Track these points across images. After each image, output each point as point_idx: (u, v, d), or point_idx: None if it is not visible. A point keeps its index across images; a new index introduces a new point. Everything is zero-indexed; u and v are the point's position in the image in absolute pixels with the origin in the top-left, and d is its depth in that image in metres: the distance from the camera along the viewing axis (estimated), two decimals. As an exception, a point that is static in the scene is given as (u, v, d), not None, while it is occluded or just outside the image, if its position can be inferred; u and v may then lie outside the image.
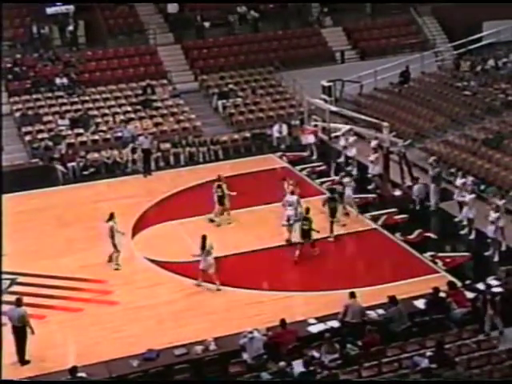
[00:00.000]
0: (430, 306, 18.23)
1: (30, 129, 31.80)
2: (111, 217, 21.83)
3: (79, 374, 16.13)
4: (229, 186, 24.66)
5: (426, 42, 39.67)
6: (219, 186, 24.25)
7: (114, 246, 21.80)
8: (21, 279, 21.64)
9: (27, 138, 31.42)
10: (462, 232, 23.43)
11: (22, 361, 17.46)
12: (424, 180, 25.63)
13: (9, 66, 34.41)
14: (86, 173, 29.70)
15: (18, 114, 32.59)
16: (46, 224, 22.00)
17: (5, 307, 17.94)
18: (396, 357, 16.33)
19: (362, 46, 39.45)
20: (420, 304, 18.54)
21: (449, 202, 24.67)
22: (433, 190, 24.97)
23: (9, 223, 25.21)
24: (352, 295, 17.92)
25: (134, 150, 30.26)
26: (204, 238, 20.86)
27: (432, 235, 23.34)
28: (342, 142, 29.00)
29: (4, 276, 21.79)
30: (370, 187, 27.02)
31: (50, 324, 19.58)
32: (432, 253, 22.12)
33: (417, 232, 23.38)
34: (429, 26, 40.75)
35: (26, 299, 20.42)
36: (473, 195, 23.34)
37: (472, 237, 23.07)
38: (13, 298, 20.51)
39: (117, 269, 21.76)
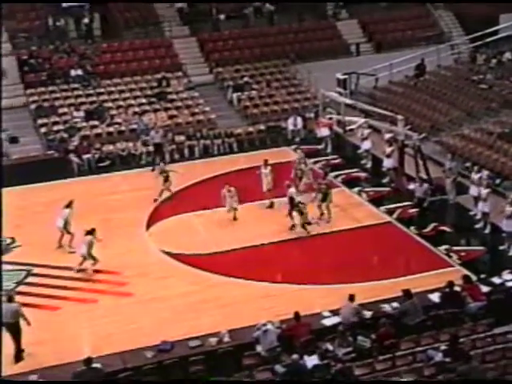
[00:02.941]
0: (445, 299, 18.18)
1: (45, 121, 31.91)
2: (69, 204, 22.49)
3: (94, 365, 16.17)
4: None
5: (442, 34, 39.47)
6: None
7: (68, 231, 22.31)
8: (36, 270, 21.74)
9: (43, 129, 31.53)
10: (477, 226, 23.35)
11: (18, 357, 17.37)
12: (438, 174, 25.60)
13: (25, 58, 34.52)
14: (101, 165, 29.79)
15: (33, 106, 32.71)
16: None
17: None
18: (410, 350, 16.28)
19: (378, 39, 39.32)
20: (435, 298, 18.50)
21: (464, 196, 24.57)
22: (449, 185, 24.88)
23: (24, 215, 25.65)
24: (350, 298, 17.75)
25: (145, 143, 30.31)
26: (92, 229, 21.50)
27: (447, 229, 23.25)
28: (360, 135, 28.93)
29: (19, 267, 22.00)
30: (384, 181, 26.98)
31: (65, 315, 19.66)
32: (447, 246, 22.05)
33: (432, 225, 23.30)
34: (445, 19, 40.58)
35: (41, 290, 20.73)
36: (488, 189, 23.23)
37: (487, 231, 23.00)
38: (29, 289, 20.84)
39: (72, 252, 22.10)
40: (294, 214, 23.01)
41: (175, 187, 26.06)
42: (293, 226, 23.09)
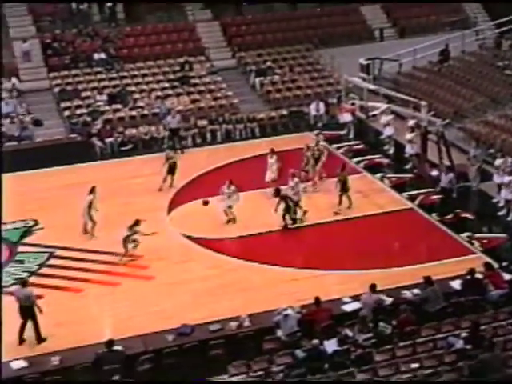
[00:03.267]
0: (466, 286, 18.10)
1: (68, 104, 32.02)
2: (92, 190, 22.30)
3: (115, 347, 16.30)
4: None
5: (467, 20, 39.10)
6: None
7: (91, 217, 22.17)
8: (58, 253, 21.89)
9: (66, 113, 31.66)
10: (500, 213, 23.20)
11: (40, 339, 17.52)
12: (462, 161, 25.45)
13: (48, 41, 34.62)
14: (123, 148, 29.88)
15: (57, 90, 32.83)
16: (83, 199, 22.15)
17: (13, 287, 18.19)
18: (431, 337, 16.25)
19: (402, 24, 39.07)
20: (456, 285, 18.42)
21: (487, 183, 24.41)
22: (474, 172, 24.73)
23: (47, 197, 25.84)
24: (371, 289, 17.58)
25: (165, 127, 30.35)
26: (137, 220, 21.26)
27: (469, 216, 23.12)
28: (383, 120, 28.81)
29: (42, 249, 22.17)
30: (407, 167, 26.86)
31: (88, 297, 19.82)
32: (469, 233, 21.95)
33: (454, 212, 23.18)
34: (470, 4, 40.16)
35: (63, 272, 20.88)
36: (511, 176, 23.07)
37: (510, 218, 22.90)
38: (52, 271, 21.00)
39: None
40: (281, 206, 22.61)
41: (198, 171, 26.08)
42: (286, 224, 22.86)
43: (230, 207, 22.91)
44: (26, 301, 17.39)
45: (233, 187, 22.85)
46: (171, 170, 25.39)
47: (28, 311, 17.42)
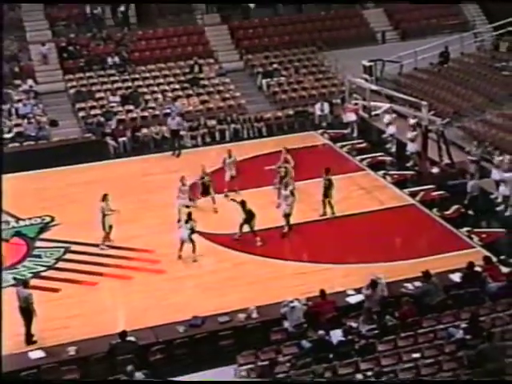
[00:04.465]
0: (466, 279, 18.08)
1: (83, 105, 32.05)
2: (104, 198, 21.69)
3: (128, 338, 16.35)
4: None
5: (466, 23, 38.95)
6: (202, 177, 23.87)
7: (104, 226, 21.67)
8: (74, 247, 21.94)
9: (81, 113, 31.69)
10: (498, 208, 23.15)
11: (29, 340, 17.28)
12: (462, 159, 25.43)
13: (64, 45, 34.66)
14: (135, 146, 29.89)
15: (72, 91, 32.87)
16: (97, 196, 22.15)
17: (17, 287, 18.07)
18: (432, 328, 16.27)
19: (403, 27, 38.94)
20: (456, 277, 18.41)
21: (486, 180, 24.35)
22: (473, 170, 24.67)
23: (63, 194, 25.92)
24: (373, 285, 17.40)
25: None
26: (189, 214, 20.96)
27: (469, 211, 23.05)
28: (386, 120, 28.76)
29: (58, 244, 22.23)
30: (408, 164, 26.82)
31: (102, 290, 19.88)
32: (468, 228, 21.92)
33: (453, 208, 23.15)
34: (468, 8, 40.02)
35: (78, 266, 20.94)
36: (510, 173, 23.01)
37: (508, 213, 22.83)
38: (68, 265, 21.05)
39: (102, 249, 21.65)
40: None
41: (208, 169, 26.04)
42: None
43: (186, 206, 22.49)
44: (23, 302, 17.33)
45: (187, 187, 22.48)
46: (205, 190, 23.91)
47: (24, 312, 17.32)
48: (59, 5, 36.55)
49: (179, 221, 21.66)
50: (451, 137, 27.21)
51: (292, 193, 22.24)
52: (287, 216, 22.09)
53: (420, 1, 38.58)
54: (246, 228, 21.65)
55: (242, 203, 21.59)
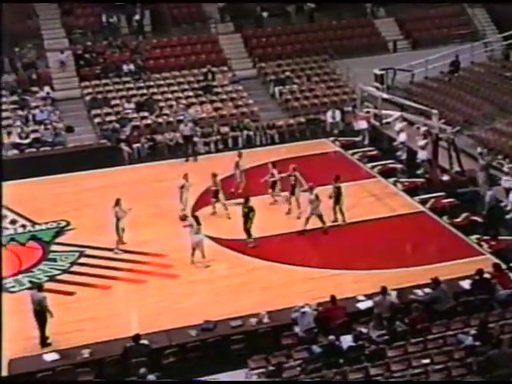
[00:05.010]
0: (475, 286, 18.00)
1: (98, 111, 32.17)
2: (117, 202, 21.72)
3: (142, 341, 16.37)
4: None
5: (476, 32, 38.92)
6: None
7: (117, 230, 21.70)
8: (88, 252, 22.00)
9: (96, 120, 31.81)
10: (508, 216, 23.04)
11: (43, 343, 17.33)
12: (472, 167, 25.33)
13: (80, 52, 34.82)
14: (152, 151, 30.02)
15: (88, 98, 33.00)
16: (112, 201, 22.20)
17: (31, 290, 18.14)
18: (441, 334, 16.19)
19: (414, 36, 38.91)
20: (465, 284, 18.32)
21: (496, 188, 24.24)
22: (482, 178, 24.58)
23: (78, 199, 26.01)
24: (383, 291, 17.31)
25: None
26: (196, 217, 21.00)
27: (478, 219, 22.97)
28: (397, 127, 28.71)
29: (73, 248, 22.29)
30: (418, 172, 26.76)
31: (116, 294, 19.92)
32: (478, 236, 21.82)
33: (463, 215, 23.06)
34: (479, 17, 39.98)
35: (93, 270, 20.99)
36: (519, 181, 22.95)
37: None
38: (82, 269, 21.10)
39: (116, 253, 21.68)
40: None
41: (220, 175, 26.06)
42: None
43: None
44: (37, 305, 17.35)
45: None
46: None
47: (38, 315, 17.35)
48: (76, 13, 36.74)
49: (191, 226, 21.56)
50: (461, 145, 27.10)
51: (317, 197, 22.27)
52: (320, 217, 22.25)
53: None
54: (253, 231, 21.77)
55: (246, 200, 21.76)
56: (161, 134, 30.94)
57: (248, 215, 21.69)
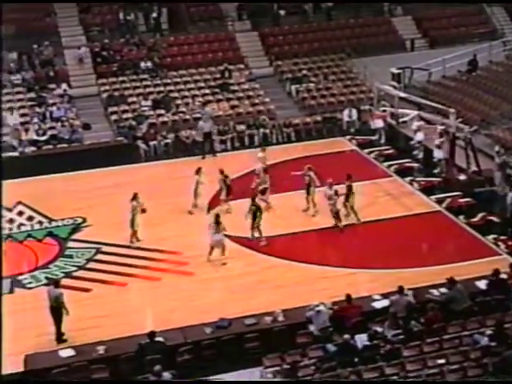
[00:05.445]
0: (491, 286, 17.89)
1: (115, 109, 32.25)
2: (134, 197, 21.89)
3: (157, 338, 16.39)
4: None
5: (495, 31, 38.69)
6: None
7: (132, 225, 21.86)
8: (104, 248, 22.07)
9: (113, 117, 31.90)
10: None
11: (59, 339, 17.39)
12: (489, 166, 25.17)
13: (97, 50, 34.93)
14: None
15: (105, 95, 33.09)
16: (128, 198, 22.28)
17: (48, 286, 18.21)
18: (457, 334, 16.11)
19: (432, 35, 38.71)
20: (481, 284, 18.20)
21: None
22: (499, 177, 24.42)
23: (95, 196, 26.10)
24: (400, 290, 17.27)
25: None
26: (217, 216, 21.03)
27: (495, 219, 22.84)
28: (414, 126, 28.59)
29: (89, 245, 22.37)
30: (435, 171, 26.64)
31: (131, 291, 20.01)
32: (495, 236, 21.70)
33: (480, 215, 22.94)
34: (497, 16, 39.73)
35: (108, 267, 21.05)
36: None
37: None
38: (98, 266, 21.17)
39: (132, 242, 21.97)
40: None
41: (236, 173, 26.05)
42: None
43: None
44: (54, 301, 17.41)
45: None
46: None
47: (55, 311, 17.41)
48: (94, 11, 36.87)
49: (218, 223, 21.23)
50: (479, 144, 26.96)
51: (336, 192, 22.34)
52: (336, 213, 22.32)
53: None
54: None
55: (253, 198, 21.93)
56: (177, 131, 30.96)
57: (256, 213, 21.72)
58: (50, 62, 34.11)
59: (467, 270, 19.31)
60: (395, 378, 14.77)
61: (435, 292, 17.96)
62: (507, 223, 22.50)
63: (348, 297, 17.28)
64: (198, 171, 23.59)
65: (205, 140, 29.63)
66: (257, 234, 21.90)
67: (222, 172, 24.12)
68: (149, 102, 32.63)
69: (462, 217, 23.07)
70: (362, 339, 15.85)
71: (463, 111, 29.95)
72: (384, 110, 30.19)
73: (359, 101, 33.39)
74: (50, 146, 29.77)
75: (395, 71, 32.75)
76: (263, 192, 23.68)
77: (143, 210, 22.11)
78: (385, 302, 17.59)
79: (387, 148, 29.15)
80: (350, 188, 22.83)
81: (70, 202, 25.21)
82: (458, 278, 17.81)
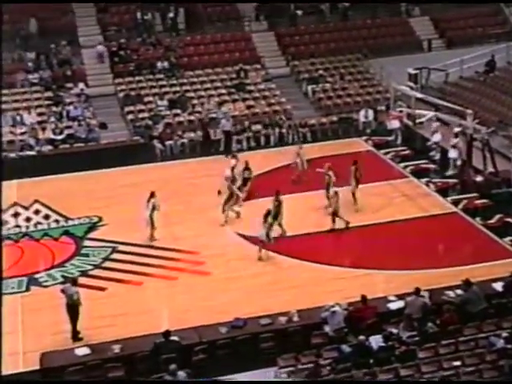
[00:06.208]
0: (508, 288, 17.82)
1: (132, 108, 32.35)
2: (152, 195, 22.00)
3: (172, 338, 16.45)
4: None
5: (512, 32, 38.51)
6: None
7: (152, 221, 22.00)
8: (121, 248, 22.16)
9: (129, 116, 32.01)
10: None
11: (74, 337, 17.48)
12: (507, 167, 25.05)
13: (114, 49, 35.06)
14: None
15: (121, 95, 33.20)
16: (144, 198, 22.36)
17: (65, 284, 18.28)
18: (473, 336, 16.06)
19: (449, 35, 38.54)
20: (498, 286, 18.16)
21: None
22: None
23: (111, 195, 26.21)
24: (416, 292, 17.22)
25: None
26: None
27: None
28: (432, 127, 28.48)
29: (106, 244, 22.48)
30: (450, 172, 26.52)
31: (147, 290, 20.06)
32: (511, 237, 21.59)
33: (497, 217, 22.84)
34: (515, 17, 39.55)
35: (124, 266, 21.14)
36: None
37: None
38: (114, 265, 21.27)
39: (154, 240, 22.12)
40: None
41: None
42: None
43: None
44: (70, 299, 17.48)
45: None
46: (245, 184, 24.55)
47: (70, 310, 17.47)
48: (111, 11, 37.02)
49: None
50: (496, 146, 26.84)
51: (336, 193, 22.37)
52: (334, 214, 22.37)
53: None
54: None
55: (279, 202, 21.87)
56: (193, 131, 31.03)
57: (278, 209, 21.74)
58: (68, 62, 34.26)
59: (483, 271, 19.25)
60: (410, 379, 14.73)
61: (451, 293, 17.91)
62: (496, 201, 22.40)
63: (363, 298, 17.27)
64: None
65: (225, 138, 29.66)
66: (273, 234, 21.82)
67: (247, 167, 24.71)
68: (165, 102, 32.71)
69: (478, 218, 22.99)
70: (377, 340, 15.83)
71: (480, 112, 29.81)
72: (400, 111, 30.10)
73: (375, 101, 33.32)
74: (67, 145, 29.91)
75: (412, 72, 32.59)
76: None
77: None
78: (400, 303, 17.57)
79: (403, 149, 29.09)
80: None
81: (86, 200, 25.32)
82: (474, 280, 17.77)
